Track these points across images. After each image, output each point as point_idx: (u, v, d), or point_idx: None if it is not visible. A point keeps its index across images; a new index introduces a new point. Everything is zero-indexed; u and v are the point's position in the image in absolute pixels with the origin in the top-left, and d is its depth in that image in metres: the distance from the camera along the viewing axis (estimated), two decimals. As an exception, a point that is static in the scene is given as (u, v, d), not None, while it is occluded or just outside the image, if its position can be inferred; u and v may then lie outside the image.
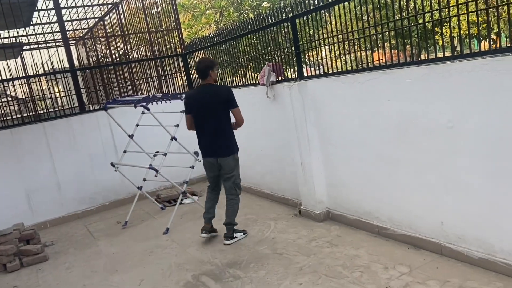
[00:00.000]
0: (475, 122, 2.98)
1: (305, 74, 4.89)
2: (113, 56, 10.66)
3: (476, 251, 3.20)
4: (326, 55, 4.59)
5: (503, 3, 2.87)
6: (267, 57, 5.40)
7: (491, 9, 3.03)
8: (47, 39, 15.17)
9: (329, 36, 4.35)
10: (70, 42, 14.64)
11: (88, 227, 5.90)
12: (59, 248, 5.27)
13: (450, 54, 3.25)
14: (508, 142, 2.81)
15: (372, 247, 3.86)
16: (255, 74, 5.67)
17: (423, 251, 3.60)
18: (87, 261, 4.69)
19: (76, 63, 11.10)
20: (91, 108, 8.32)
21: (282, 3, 16.05)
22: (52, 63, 11.00)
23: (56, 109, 7.35)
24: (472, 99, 2.97)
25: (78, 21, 12.84)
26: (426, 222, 3.57)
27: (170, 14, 8.35)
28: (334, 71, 4.40)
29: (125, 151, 5.83)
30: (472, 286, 3.00)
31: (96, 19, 12.24)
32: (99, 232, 5.61)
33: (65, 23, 10.38)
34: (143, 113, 5.75)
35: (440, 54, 3.33)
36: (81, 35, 14.61)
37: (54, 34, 14.54)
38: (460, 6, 3.12)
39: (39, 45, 14.97)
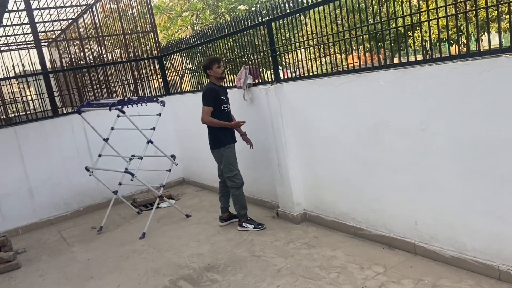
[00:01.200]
0: (446, 124, 3.07)
1: (282, 77, 4.93)
2: (87, 59, 10.48)
3: (448, 250, 3.29)
4: (302, 58, 4.64)
5: (472, 9, 2.97)
6: (244, 59, 5.41)
7: (460, 14, 3.12)
8: (18, 41, 14.78)
9: (304, 39, 4.40)
10: (42, 44, 14.32)
11: (62, 233, 5.77)
12: (31, 255, 5.12)
13: (422, 58, 3.33)
14: (477, 143, 2.90)
15: (348, 247, 3.91)
16: (233, 76, 5.67)
17: (397, 250, 3.67)
18: (61, 268, 4.58)
19: (48, 65, 10.85)
20: (65, 112, 8.14)
21: (258, 6, 16.12)
22: (23, 65, 10.71)
23: (28, 112, 7.16)
24: (443, 102, 3.05)
25: (51, 23, 12.56)
26: (400, 222, 3.64)
27: (146, 16, 8.27)
28: (310, 74, 4.45)
29: (100, 155, 5.73)
30: (444, 284, 3.08)
31: (70, 21, 12.01)
32: (73, 238, 5.49)
33: (37, 25, 10.14)
34: (118, 116, 5.66)
35: (412, 58, 3.41)
36: (54, 36, 14.30)
37: (26, 35, 14.17)
38: (431, 11, 3.21)
39: (10, 47, 14.57)
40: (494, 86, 2.71)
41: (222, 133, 4.67)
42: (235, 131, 4.87)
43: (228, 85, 5.75)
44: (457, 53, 3.06)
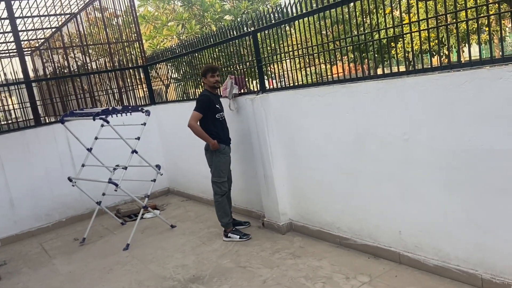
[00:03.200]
0: (428, 135, 3.11)
1: (269, 87, 4.96)
2: (71, 67, 10.38)
3: (432, 259, 3.32)
4: (287, 68, 4.67)
5: (453, 22, 3.03)
6: (230, 69, 5.43)
7: (442, 27, 3.19)
8: (0, 49, 14.56)
9: (290, 50, 4.44)
10: (25, 52, 14.13)
11: (44, 245, 5.65)
12: (12, 267, 5.00)
13: (405, 69, 3.39)
14: (458, 153, 2.95)
15: (334, 257, 3.92)
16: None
17: (382, 260, 3.69)
18: (42, 281, 4.48)
19: (31, 74, 10.71)
20: (47, 121, 8.02)
21: (244, 16, 16.24)
22: (5, 74, 10.54)
23: (9, 121, 7.04)
24: (425, 113, 3.10)
25: (34, 31, 12.41)
26: (385, 232, 3.66)
27: (131, 25, 8.24)
28: (296, 84, 4.48)
29: (83, 165, 5.65)
30: (429, 293, 3.10)
31: (53, 29, 11.89)
32: (55, 250, 5.38)
33: (20, 33, 10.02)
34: (102, 125, 5.61)
35: (395, 69, 3.46)
36: (37, 45, 14.13)
37: (8, 44, 13.98)
38: (413, 23, 3.27)
39: (-9, 55, 14.36)
40: (474, 97, 2.77)
41: (216, 133, 4.64)
42: (227, 134, 4.84)
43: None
44: (438, 64, 3.12)
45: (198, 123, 4.57)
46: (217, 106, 4.68)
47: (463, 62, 2.97)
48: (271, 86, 5.10)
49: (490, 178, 2.82)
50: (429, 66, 3.12)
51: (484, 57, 2.83)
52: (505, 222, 2.81)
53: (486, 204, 2.87)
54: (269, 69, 5.39)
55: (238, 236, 4.69)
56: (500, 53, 2.80)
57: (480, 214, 2.93)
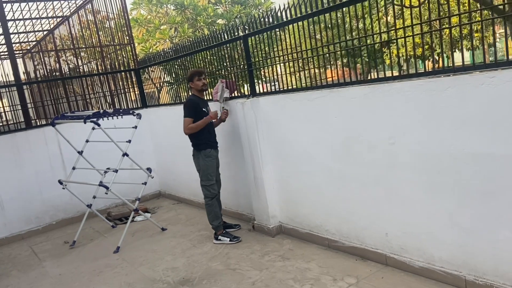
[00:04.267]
0: (413, 139, 3.18)
1: (260, 91, 5.01)
2: (63, 70, 10.36)
3: (417, 260, 3.38)
4: (277, 73, 4.73)
5: (445, 27, 3.10)
6: (222, 72, 5.48)
7: (433, 32, 3.26)
8: (-9, 51, 14.49)
9: (279, 54, 4.50)
10: (17, 55, 14.07)
11: (33, 247, 5.63)
12: (1, 270, 4.98)
13: (391, 74, 3.46)
14: (442, 157, 3.02)
15: (322, 259, 3.97)
16: (210, 89, 5.72)
17: (369, 262, 3.75)
18: (32, 284, 4.47)
19: (22, 76, 10.67)
20: (38, 124, 8.00)
21: (237, 20, 16.32)
22: (-4, 76, 10.49)
23: (0, 124, 7.02)
24: (410, 117, 3.17)
25: (26, 34, 12.38)
26: (372, 234, 3.72)
27: (123, 29, 8.27)
28: (285, 88, 4.54)
29: (74, 168, 5.66)
30: (414, 294, 3.16)
31: (45, 32, 11.87)
32: (45, 252, 5.37)
33: (12, 35, 9.99)
34: (93, 128, 5.62)
35: (388, 73, 3.52)
36: (29, 47, 14.08)
37: (-1, 46, 13.92)
38: (402, 29, 3.34)
39: (-17, 57, 14.28)
40: (457, 102, 2.84)
41: (202, 137, 4.69)
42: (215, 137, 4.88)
43: (206, 98, 5.78)
44: (424, 70, 3.19)
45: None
46: (204, 110, 4.72)
47: (446, 68, 3.04)
48: (264, 90, 5.15)
49: (472, 181, 2.89)
50: (414, 72, 3.20)
51: (471, 62, 2.90)
52: (486, 224, 2.88)
53: (469, 207, 2.95)
54: (262, 73, 5.45)
55: (228, 239, 4.72)
56: (489, 59, 2.88)
57: (463, 217, 3.00)
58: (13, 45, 11.52)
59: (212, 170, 4.75)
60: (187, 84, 4.85)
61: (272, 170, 4.68)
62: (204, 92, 4.93)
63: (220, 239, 4.76)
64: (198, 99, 4.74)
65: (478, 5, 6.78)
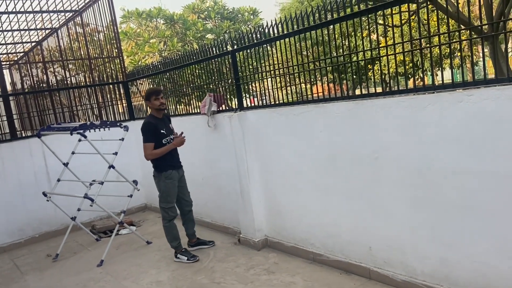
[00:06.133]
0: (396, 154, 3.26)
1: (249, 104, 5.07)
2: (50, 82, 10.32)
3: (400, 274, 3.42)
4: (264, 88, 4.80)
5: (427, 46, 3.21)
6: (211, 86, 5.53)
7: (417, 50, 3.36)
8: (-23, 61, 14.35)
9: (267, 69, 4.58)
10: (4, 65, 13.98)
11: (15, 261, 5.54)
12: (-20, 284, 4.89)
13: (374, 91, 3.55)
14: (423, 172, 3.09)
15: (307, 273, 3.99)
16: (199, 103, 5.77)
17: (353, 275, 3.78)
18: (12, 298, 4.39)
19: (9, 87, 10.60)
20: (24, 135, 7.94)
21: (226, 36, 16.49)
22: (-18, 86, 10.39)
23: (-16, 135, 6.94)
24: (393, 132, 3.25)
25: (13, 45, 12.32)
26: (356, 248, 3.76)
27: (112, 41, 8.30)
28: (272, 103, 4.61)
29: (58, 180, 5.61)
30: (397, 307, 3.19)
31: (33, 43, 11.83)
32: (27, 266, 5.28)
33: (-1, 46, 9.95)
34: (80, 140, 5.60)
35: (372, 89, 3.62)
36: (16, 59, 14.01)
37: (-14, 56, 13.81)
38: (389, 46, 3.44)
39: (-31, 68, 14.13)
40: (437, 119, 2.93)
41: (163, 158, 4.58)
42: (178, 157, 4.81)
43: (194, 111, 5.83)
44: (406, 87, 3.29)
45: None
46: (162, 131, 4.56)
47: (427, 86, 3.14)
48: (252, 104, 5.21)
49: (452, 196, 2.96)
50: (397, 89, 3.29)
51: (455, 80, 3.01)
52: (466, 238, 2.95)
53: (450, 221, 3.01)
54: (249, 87, 5.53)
55: (186, 258, 4.67)
56: (472, 77, 2.97)
57: (444, 231, 3.06)
58: (0, 55, 11.46)
59: (172, 193, 4.64)
60: (146, 103, 4.72)
61: (259, 184, 4.71)
62: (163, 111, 4.71)
63: (179, 258, 4.72)
64: (155, 120, 4.58)
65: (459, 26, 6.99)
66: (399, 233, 3.37)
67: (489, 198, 2.78)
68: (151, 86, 5.68)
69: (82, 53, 9.56)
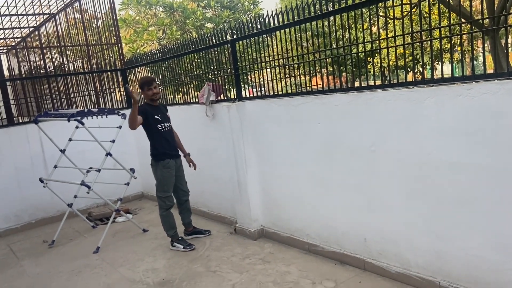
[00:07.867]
0: (393, 146, 3.26)
1: (248, 95, 5.05)
2: (48, 68, 10.25)
3: (394, 266, 3.45)
4: (263, 78, 4.79)
5: (427, 39, 3.20)
6: (209, 76, 5.51)
7: (417, 43, 3.34)
8: (-26, 46, 14.23)
9: (266, 60, 4.56)
10: (1, 51, 13.86)
11: (11, 246, 5.55)
12: (-24, 269, 4.90)
13: (374, 83, 3.54)
14: (420, 165, 3.10)
15: (302, 263, 4.02)
16: (197, 92, 5.75)
17: (348, 266, 3.81)
18: (9, 282, 4.41)
19: (6, 73, 10.52)
20: (21, 121, 7.90)
21: (225, 25, 16.39)
22: (-22, 71, 10.31)
23: (-19, 120, 6.91)
24: (392, 125, 3.25)
25: (11, 30, 12.20)
26: (351, 239, 3.79)
27: (111, 28, 8.24)
28: (271, 93, 4.59)
29: (55, 166, 5.61)
30: (390, 298, 3.23)
31: (31, 29, 11.72)
32: (23, 251, 5.30)
33: (-4, 31, 9.86)
34: (77, 127, 5.58)
35: (371, 82, 3.61)
36: (13, 44, 13.88)
37: (-17, 41, 13.68)
38: (389, 39, 3.42)
39: (-35, 52, 14.02)
40: (435, 113, 2.93)
41: (159, 146, 4.60)
42: (178, 148, 4.83)
43: (193, 100, 5.81)
44: (405, 80, 3.28)
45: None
46: (156, 117, 4.56)
47: (427, 79, 3.13)
48: (251, 95, 5.20)
49: (447, 189, 2.98)
50: (396, 82, 3.28)
51: (457, 74, 3.01)
52: (460, 231, 2.97)
53: (444, 214, 3.03)
54: (248, 78, 5.50)
55: (182, 246, 4.69)
56: (471, 71, 2.96)
57: (438, 224, 3.08)
58: (-3, 40, 11.34)
59: (169, 182, 4.65)
60: (140, 93, 4.69)
61: (256, 174, 4.72)
62: (158, 101, 4.70)
63: (175, 246, 4.75)
64: (150, 107, 4.58)
65: (460, 19, 6.97)
66: (394, 225, 3.39)
67: (484, 192, 2.79)
68: (147, 75, 5.68)
69: (80, 39, 9.48)
